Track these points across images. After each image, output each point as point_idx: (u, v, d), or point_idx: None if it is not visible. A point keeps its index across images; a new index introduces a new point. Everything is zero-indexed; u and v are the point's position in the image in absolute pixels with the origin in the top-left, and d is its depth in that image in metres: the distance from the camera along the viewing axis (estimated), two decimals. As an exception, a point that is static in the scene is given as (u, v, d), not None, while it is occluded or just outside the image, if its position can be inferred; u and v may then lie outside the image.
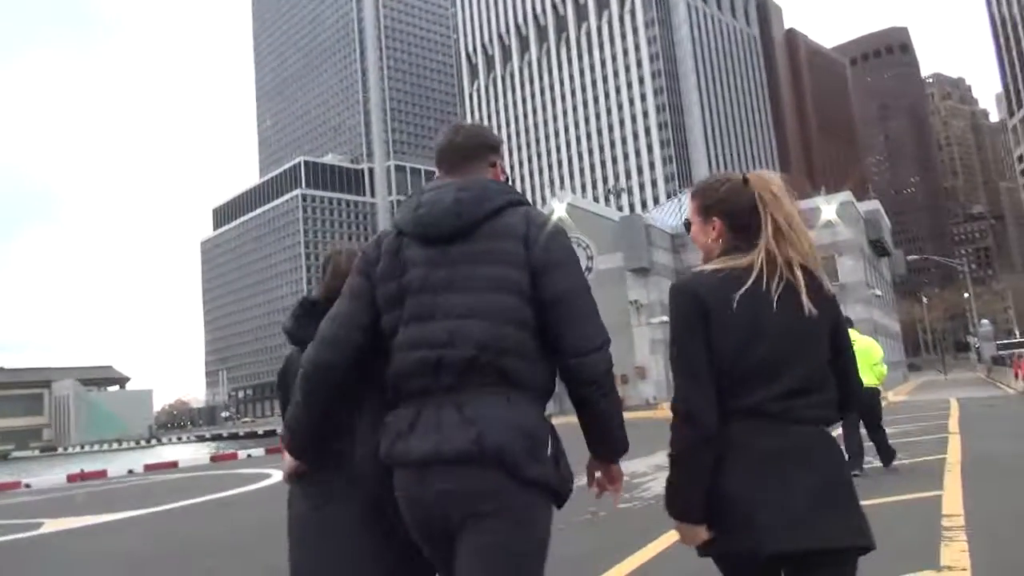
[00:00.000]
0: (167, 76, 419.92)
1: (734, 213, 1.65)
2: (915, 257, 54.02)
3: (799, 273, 1.56)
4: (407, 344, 1.61)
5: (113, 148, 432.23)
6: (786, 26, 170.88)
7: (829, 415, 1.60)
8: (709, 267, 1.63)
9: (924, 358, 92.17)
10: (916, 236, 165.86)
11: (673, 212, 36.19)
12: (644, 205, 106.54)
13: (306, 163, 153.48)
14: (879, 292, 37.26)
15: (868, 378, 7.24)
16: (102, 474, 21.02)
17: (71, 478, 20.55)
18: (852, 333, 7.08)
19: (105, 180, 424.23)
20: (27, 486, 19.30)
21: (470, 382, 1.56)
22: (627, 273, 31.22)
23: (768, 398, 1.54)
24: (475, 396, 1.55)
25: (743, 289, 1.54)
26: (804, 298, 1.55)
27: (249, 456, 24.29)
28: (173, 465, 22.91)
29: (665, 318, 26.78)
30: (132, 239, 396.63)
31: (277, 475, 14.37)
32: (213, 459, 23.77)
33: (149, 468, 22.34)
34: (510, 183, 1.82)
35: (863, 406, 6.93)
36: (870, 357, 7.47)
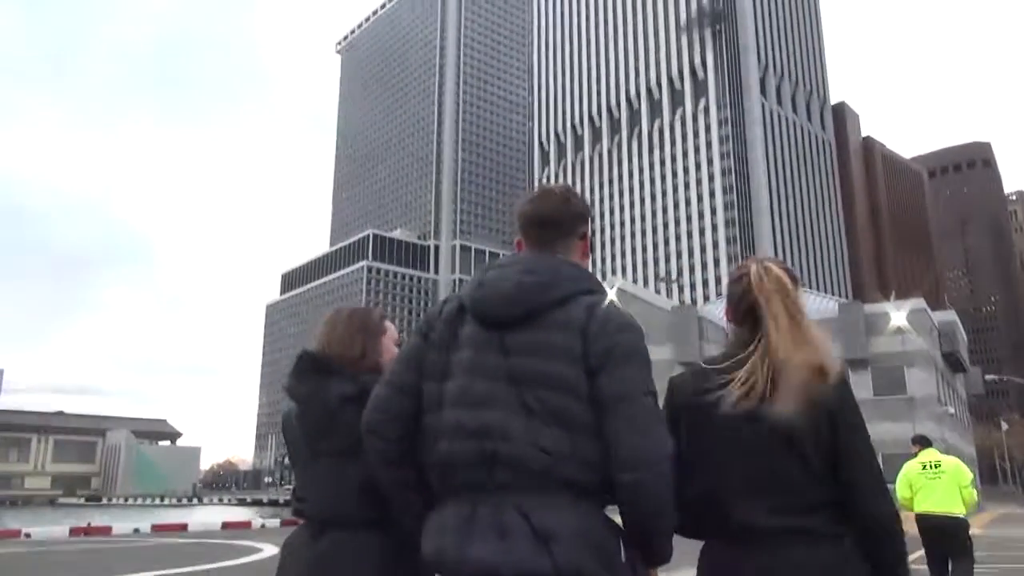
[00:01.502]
0: (256, 142, 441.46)
1: (731, 303, 1.62)
2: (994, 377, 50.47)
3: (785, 376, 1.46)
4: (453, 428, 1.48)
5: (195, 206, 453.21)
6: (863, 133, 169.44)
7: (798, 523, 1.47)
8: (706, 361, 1.58)
9: (1002, 488, 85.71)
10: (995, 357, 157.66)
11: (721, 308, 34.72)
12: (706, 299, 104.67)
13: (375, 236, 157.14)
14: (952, 410, 34.48)
15: (956, 505, 6.17)
16: (106, 531, 20.24)
17: (74, 532, 19.82)
18: (934, 453, 6.32)
19: (185, 237, 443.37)
20: (27, 536, 18.67)
21: (529, 484, 1.41)
22: (677, 366, 29.67)
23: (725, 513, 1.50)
24: (539, 501, 1.40)
25: (711, 391, 1.50)
26: (775, 405, 1.46)
27: (263, 526, 23.22)
28: (182, 528, 21.96)
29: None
30: (204, 296, 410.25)
31: (271, 550, 13.37)
32: (225, 526, 22.75)
33: (156, 529, 21.43)
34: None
35: (944, 535, 6.10)
36: (959, 479, 6.27)
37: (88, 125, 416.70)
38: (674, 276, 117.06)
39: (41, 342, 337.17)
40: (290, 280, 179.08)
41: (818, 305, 33.09)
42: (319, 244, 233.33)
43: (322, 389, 1.81)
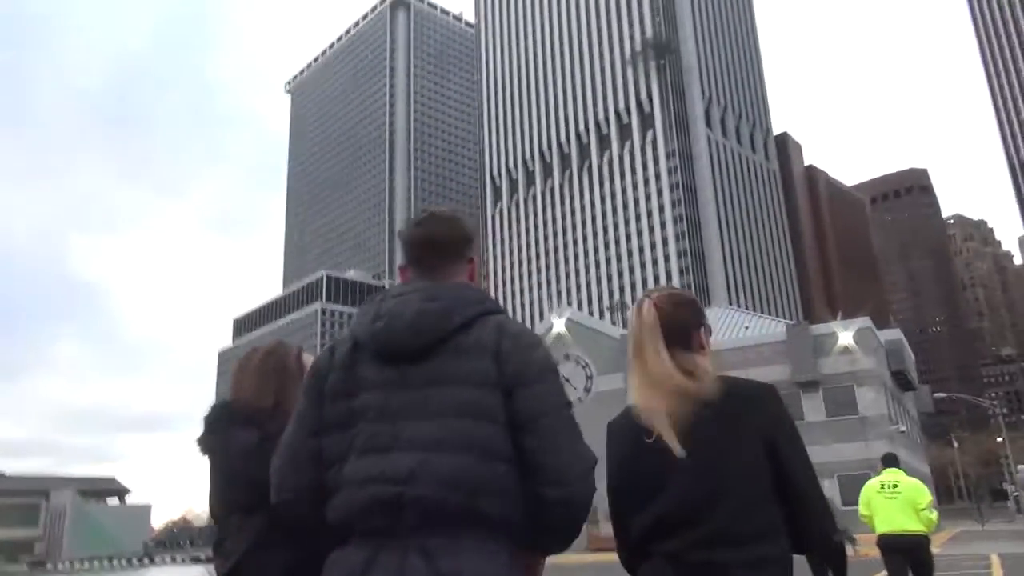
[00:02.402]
0: (207, 186, 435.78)
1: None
2: (943, 395, 51.17)
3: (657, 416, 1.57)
4: (359, 478, 1.37)
5: (146, 253, 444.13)
6: (806, 162, 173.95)
7: (717, 556, 1.48)
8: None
9: (957, 506, 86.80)
10: (943, 376, 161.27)
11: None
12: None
13: (328, 277, 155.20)
14: (903, 428, 34.58)
15: (912, 522, 6.19)
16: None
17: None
18: (895, 473, 6.37)
19: (136, 287, 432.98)
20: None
21: (439, 524, 1.33)
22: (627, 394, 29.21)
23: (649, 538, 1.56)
24: (447, 543, 1.32)
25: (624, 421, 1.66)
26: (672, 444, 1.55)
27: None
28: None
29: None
30: (157, 347, 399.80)
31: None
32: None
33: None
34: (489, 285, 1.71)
35: (903, 553, 6.08)
36: (916, 501, 6.21)
37: (37, 174, 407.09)
38: (626, 304, 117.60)
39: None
40: (242, 325, 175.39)
41: (767, 329, 33.12)
42: (272, 288, 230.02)
43: (227, 441, 1.75)
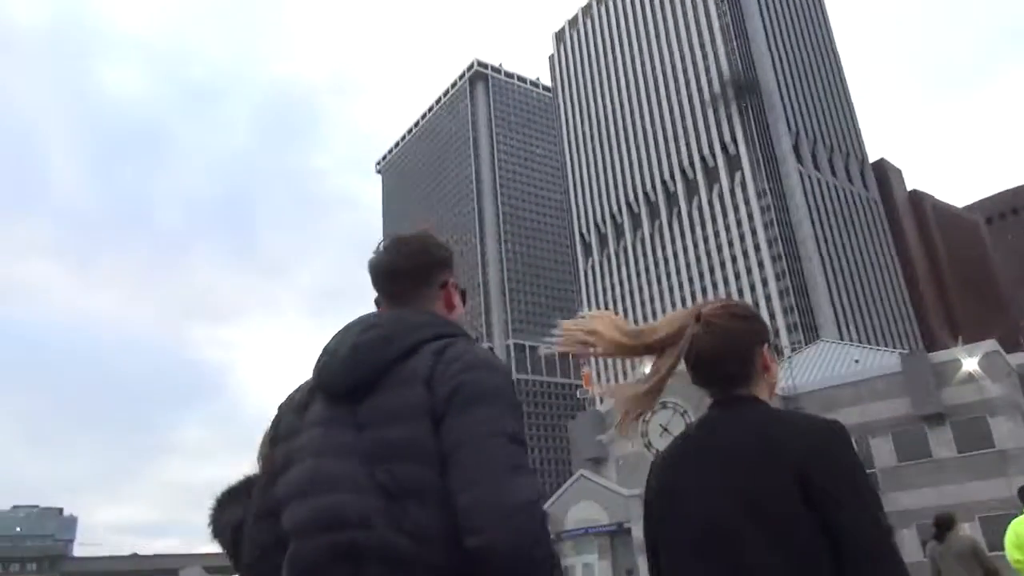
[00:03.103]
0: (311, 269, 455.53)
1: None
2: (1093, 422, 46.17)
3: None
4: (303, 523, 1.25)
5: (260, 336, 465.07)
6: (908, 188, 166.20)
7: None
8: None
9: None
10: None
11: (782, 373, 32.64)
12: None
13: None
14: (1051, 461, 31.23)
15: None
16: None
17: None
18: None
19: (255, 369, 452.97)
20: None
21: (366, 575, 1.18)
22: (733, 442, 27.62)
23: None
24: None
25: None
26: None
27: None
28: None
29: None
30: (262, 420, 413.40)
31: None
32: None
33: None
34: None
35: None
36: None
37: (157, 269, 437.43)
38: None
39: (116, 485, 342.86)
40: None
41: (879, 360, 30.93)
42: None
43: (223, 517, 1.75)
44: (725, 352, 1.45)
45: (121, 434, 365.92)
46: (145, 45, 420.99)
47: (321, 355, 1.41)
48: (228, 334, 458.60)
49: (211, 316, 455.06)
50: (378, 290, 1.52)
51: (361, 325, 1.41)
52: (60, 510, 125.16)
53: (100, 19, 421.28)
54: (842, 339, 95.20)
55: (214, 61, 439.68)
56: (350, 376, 1.32)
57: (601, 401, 54.45)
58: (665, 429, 28.05)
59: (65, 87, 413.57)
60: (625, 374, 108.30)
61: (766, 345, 1.52)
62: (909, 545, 24.37)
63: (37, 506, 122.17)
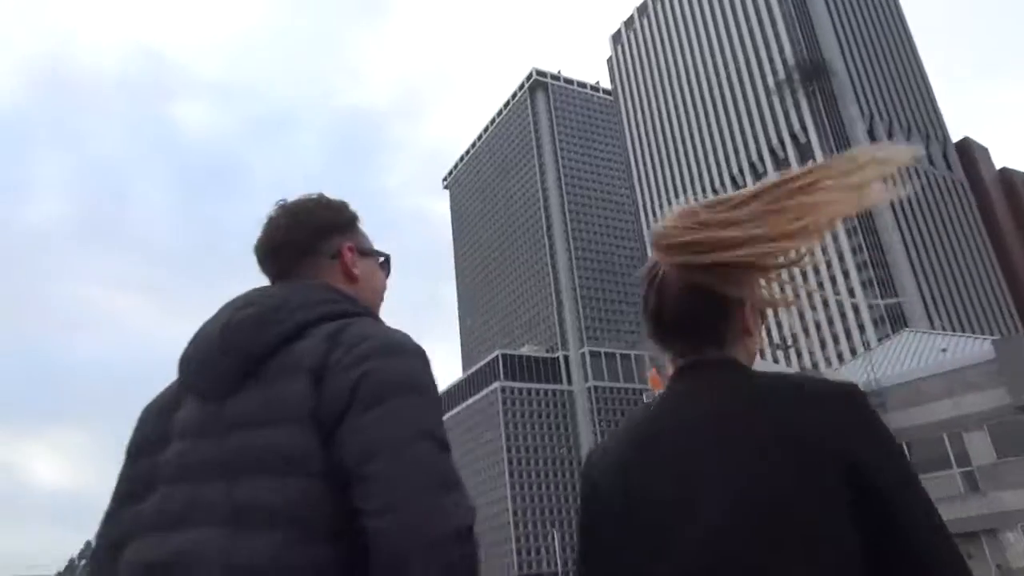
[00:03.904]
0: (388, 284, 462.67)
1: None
2: None
3: None
4: (141, 569, 0.98)
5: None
6: (997, 166, 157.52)
7: None
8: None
9: None
10: None
11: (863, 367, 30.68)
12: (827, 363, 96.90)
13: (504, 356, 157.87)
14: None
15: None
16: None
17: None
18: None
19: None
20: None
21: None
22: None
23: None
24: None
25: None
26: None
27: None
28: None
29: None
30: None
31: None
32: None
33: None
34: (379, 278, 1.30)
35: None
36: None
37: (233, 295, 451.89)
38: (790, 342, 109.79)
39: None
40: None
41: (970, 348, 28.80)
42: (453, 372, 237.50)
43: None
44: (697, 308, 1.11)
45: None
46: (219, 83, 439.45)
47: (188, 341, 1.14)
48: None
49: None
50: (265, 274, 1.24)
51: (241, 299, 1.15)
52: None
53: (177, 62, 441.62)
54: (933, 329, 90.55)
55: (283, 94, 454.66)
56: (222, 360, 1.06)
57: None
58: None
59: (147, 128, 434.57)
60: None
61: (747, 304, 1.16)
62: (1014, 549, 22.47)
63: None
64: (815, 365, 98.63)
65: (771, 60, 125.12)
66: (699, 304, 1.08)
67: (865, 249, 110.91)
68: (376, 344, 1.02)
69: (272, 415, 0.98)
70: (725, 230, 1.04)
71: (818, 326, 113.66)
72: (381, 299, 1.32)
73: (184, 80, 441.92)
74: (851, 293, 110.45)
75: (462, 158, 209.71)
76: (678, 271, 1.09)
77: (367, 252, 1.28)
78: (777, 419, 0.95)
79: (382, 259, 1.34)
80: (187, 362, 1.10)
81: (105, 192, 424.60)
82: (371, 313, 1.17)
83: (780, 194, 1.06)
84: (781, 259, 1.08)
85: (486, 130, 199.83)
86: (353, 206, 1.26)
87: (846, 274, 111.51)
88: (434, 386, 1.04)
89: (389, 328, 1.10)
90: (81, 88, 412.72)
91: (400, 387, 0.98)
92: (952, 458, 25.60)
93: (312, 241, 1.21)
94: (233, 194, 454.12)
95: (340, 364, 1.00)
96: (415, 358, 1.04)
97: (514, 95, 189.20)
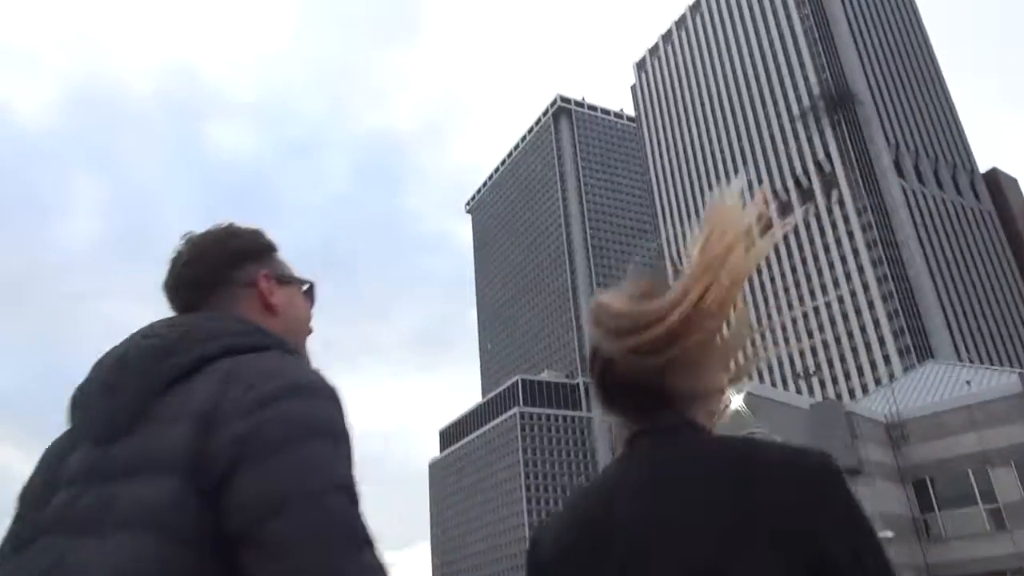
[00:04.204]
0: (405, 309, 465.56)
1: None
2: None
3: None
4: None
5: (357, 377, 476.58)
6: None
7: None
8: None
9: None
10: None
11: (884, 399, 30.03)
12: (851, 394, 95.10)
13: (523, 381, 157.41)
14: None
15: None
16: None
17: None
18: None
19: (350, 403, 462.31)
20: None
21: None
22: (830, 474, 25.31)
23: None
24: None
25: None
26: None
27: None
28: None
29: (890, 534, 20.84)
30: (372, 460, 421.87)
31: None
32: None
33: None
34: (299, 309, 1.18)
35: None
36: None
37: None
38: (812, 370, 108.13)
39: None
40: (448, 436, 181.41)
41: (996, 382, 28.09)
42: (472, 396, 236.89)
43: None
44: (646, 372, 1.00)
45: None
46: (250, 104, 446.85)
47: (86, 376, 1.01)
48: (331, 374, 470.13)
49: (316, 359, 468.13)
50: (174, 310, 1.12)
51: (140, 333, 1.03)
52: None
53: (211, 83, 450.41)
54: (960, 361, 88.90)
55: (312, 115, 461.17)
56: (103, 407, 0.94)
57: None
58: (755, 462, 26.21)
59: (179, 147, 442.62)
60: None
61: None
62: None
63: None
64: (839, 396, 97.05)
65: (795, 88, 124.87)
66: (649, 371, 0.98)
67: (890, 280, 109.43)
68: (281, 384, 0.91)
69: (146, 465, 0.86)
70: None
71: (843, 357, 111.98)
72: (307, 329, 1.20)
73: (216, 100, 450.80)
74: (876, 324, 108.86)
75: (485, 183, 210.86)
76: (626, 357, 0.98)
77: (286, 280, 1.16)
78: (737, 497, 0.85)
79: (305, 287, 1.21)
80: (76, 398, 0.98)
81: (138, 210, 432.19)
82: (287, 347, 1.04)
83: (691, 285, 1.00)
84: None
85: (509, 155, 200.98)
86: (269, 234, 1.17)
87: (871, 305, 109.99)
88: (347, 432, 0.92)
89: (301, 365, 0.98)
90: (117, 108, 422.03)
91: (305, 433, 0.87)
92: (977, 494, 24.91)
93: (222, 271, 1.11)
94: (261, 214, 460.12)
95: (236, 407, 0.88)
96: (326, 400, 0.93)
97: (538, 121, 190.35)
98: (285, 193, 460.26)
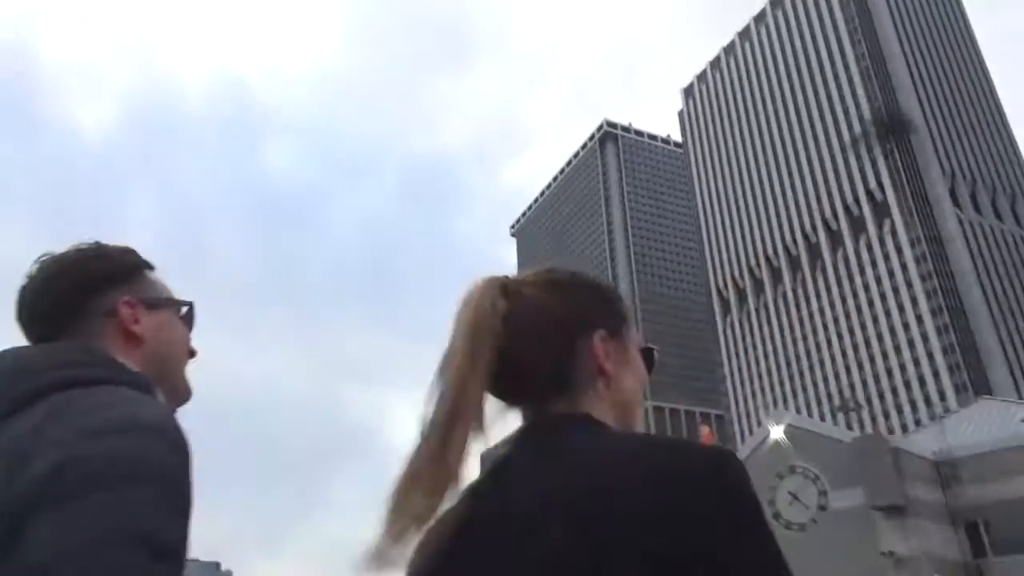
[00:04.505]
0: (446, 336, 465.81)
1: None
2: None
3: None
4: None
5: (400, 393, 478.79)
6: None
7: None
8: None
9: None
10: None
11: (933, 435, 28.61)
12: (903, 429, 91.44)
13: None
14: None
15: None
16: None
17: None
18: None
19: (395, 424, 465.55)
20: None
21: None
22: (874, 513, 24.08)
23: None
24: None
25: None
26: None
27: None
28: None
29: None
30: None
31: None
32: None
33: None
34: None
35: None
36: None
37: (308, 332, 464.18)
38: (860, 405, 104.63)
39: (277, 545, 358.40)
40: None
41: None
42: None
43: None
44: (534, 344, 0.89)
45: (276, 493, 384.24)
46: (303, 125, 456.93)
47: None
48: (376, 395, 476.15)
49: (361, 378, 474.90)
50: (28, 340, 1.02)
51: None
52: (217, 564, 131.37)
53: (265, 102, 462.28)
54: (1021, 399, 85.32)
55: (363, 136, 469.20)
56: None
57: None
58: (795, 497, 25.11)
59: (233, 166, 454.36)
60: (749, 428, 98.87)
61: (603, 333, 0.93)
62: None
63: (197, 559, 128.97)
64: (891, 431, 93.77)
65: (847, 115, 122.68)
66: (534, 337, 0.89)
67: (946, 311, 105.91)
68: (105, 419, 0.80)
69: None
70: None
71: (895, 390, 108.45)
72: (182, 357, 1.10)
73: (269, 119, 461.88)
74: (930, 358, 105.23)
75: (530, 207, 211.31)
76: (511, 299, 0.90)
77: (156, 304, 1.07)
78: (620, 508, 0.71)
79: (185, 308, 1.12)
80: None
81: (190, 227, 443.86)
82: (139, 381, 0.93)
83: None
84: None
85: (555, 179, 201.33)
86: (139, 252, 1.08)
87: (925, 337, 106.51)
88: (177, 477, 0.80)
89: (140, 401, 0.88)
90: (172, 124, 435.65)
91: (119, 476, 0.75)
92: (1034, 540, 23.48)
93: (75, 300, 1.01)
94: (311, 234, 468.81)
95: (49, 444, 0.77)
96: (156, 439, 0.81)
97: (584, 145, 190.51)
98: (333, 212, 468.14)
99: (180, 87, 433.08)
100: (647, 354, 1.03)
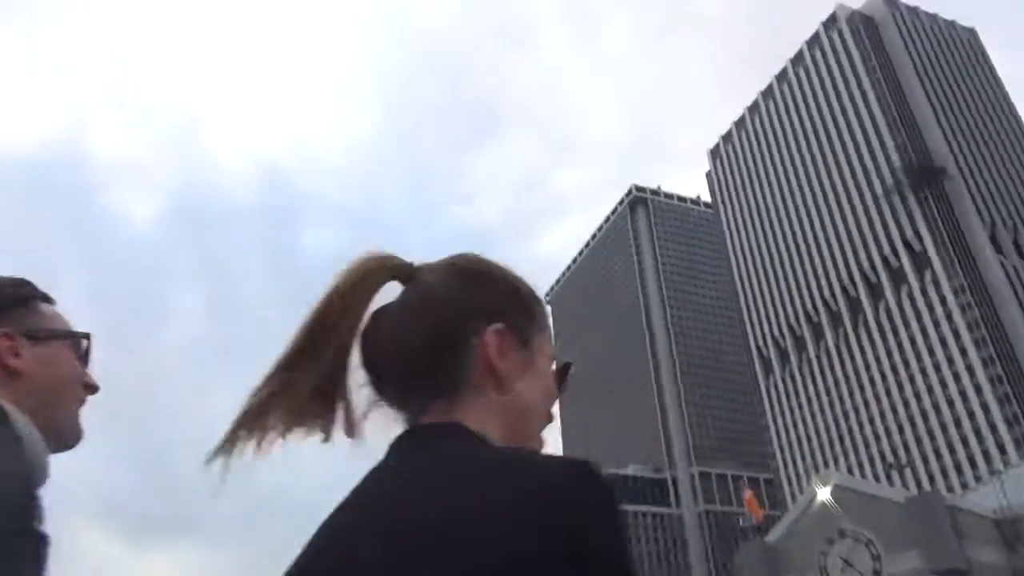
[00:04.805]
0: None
1: None
2: None
3: None
4: None
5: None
6: None
7: None
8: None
9: None
10: None
11: (993, 493, 26.89)
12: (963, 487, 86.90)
13: (609, 476, 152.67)
14: None
15: None
16: None
17: None
18: None
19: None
20: None
21: None
22: (933, 577, 22.48)
23: None
24: None
25: None
26: None
27: None
28: None
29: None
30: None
31: None
32: None
33: None
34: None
35: None
36: None
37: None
38: (904, 462, 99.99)
39: None
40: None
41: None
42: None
43: None
44: (410, 335, 0.81)
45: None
46: (340, 206, 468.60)
47: None
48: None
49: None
50: None
51: None
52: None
53: (302, 187, 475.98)
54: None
55: (397, 209, 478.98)
56: None
57: (766, 531, 48.61)
58: (848, 563, 23.64)
59: (273, 250, 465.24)
60: (800, 490, 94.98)
61: (500, 326, 0.84)
62: None
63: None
64: (951, 490, 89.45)
65: (876, 165, 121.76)
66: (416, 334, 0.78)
67: (998, 361, 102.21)
68: None
69: None
70: None
71: (951, 447, 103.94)
72: (71, 390, 1.05)
73: (308, 204, 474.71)
74: (986, 410, 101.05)
75: (564, 273, 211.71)
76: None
77: (42, 336, 1.01)
78: (457, 529, 0.65)
79: (84, 340, 1.08)
80: None
81: (234, 313, 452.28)
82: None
83: None
84: None
85: (587, 245, 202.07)
86: (33, 282, 1.03)
87: (978, 388, 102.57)
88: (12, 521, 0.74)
89: None
90: (215, 215, 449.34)
91: None
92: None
93: None
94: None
95: None
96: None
97: (614, 211, 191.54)
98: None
99: (221, 177, 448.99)
100: (562, 370, 0.91)
